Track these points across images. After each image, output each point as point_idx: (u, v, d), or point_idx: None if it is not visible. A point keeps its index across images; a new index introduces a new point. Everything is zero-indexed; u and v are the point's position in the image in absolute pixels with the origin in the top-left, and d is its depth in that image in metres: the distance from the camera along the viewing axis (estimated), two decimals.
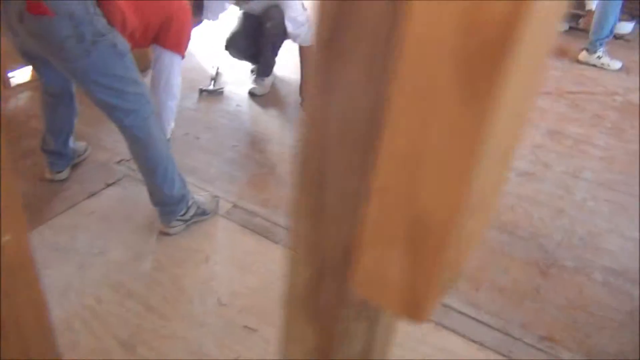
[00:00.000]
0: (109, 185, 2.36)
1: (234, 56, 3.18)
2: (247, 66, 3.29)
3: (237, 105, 3.08)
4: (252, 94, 3.15)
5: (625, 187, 2.62)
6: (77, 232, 2.11)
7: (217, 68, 3.37)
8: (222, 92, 3.17)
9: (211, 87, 3.17)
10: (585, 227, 2.37)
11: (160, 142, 1.97)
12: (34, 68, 2.13)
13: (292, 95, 3.19)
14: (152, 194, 2.05)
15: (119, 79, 1.80)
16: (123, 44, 1.79)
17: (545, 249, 2.24)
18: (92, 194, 2.31)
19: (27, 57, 1.94)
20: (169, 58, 2.09)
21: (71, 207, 2.23)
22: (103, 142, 2.60)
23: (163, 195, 2.04)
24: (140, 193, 2.20)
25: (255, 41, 3.04)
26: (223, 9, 3.09)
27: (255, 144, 2.74)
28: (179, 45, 2.11)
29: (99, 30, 1.70)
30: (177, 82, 2.17)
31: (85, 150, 2.50)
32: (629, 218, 2.43)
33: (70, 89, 2.16)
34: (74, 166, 2.44)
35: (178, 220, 2.11)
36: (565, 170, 2.72)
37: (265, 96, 3.16)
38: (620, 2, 3.69)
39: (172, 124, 2.36)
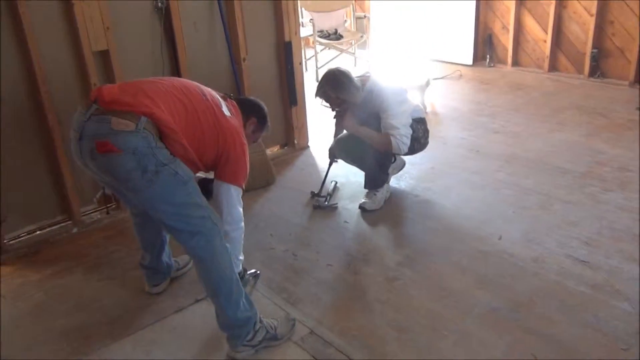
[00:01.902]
0: (197, 300, 2.39)
1: (339, 156, 3.21)
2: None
3: (345, 222, 2.99)
4: (362, 208, 3.05)
5: None
6: (154, 349, 2.14)
7: (335, 183, 3.37)
8: (335, 208, 3.13)
9: (326, 203, 3.15)
10: None
11: (225, 264, 1.98)
12: (116, 193, 2.31)
13: (407, 212, 3.02)
14: (217, 315, 2.03)
15: (181, 205, 1.89)
16: (185, 171, 1.89)
17: None
18: (180, 309, 2.36)
19: (106, 185, 2.12)
20: (226, 189, 2.10)
21: (157, 321, 2.29)
22: None
23: (227, 318, 2.00)
24: None
25: (362, 149, 3.01)
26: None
27: (353, 264, 2.60)
28: (235, 178, 2.11)
29: (161, 161, 1.82)
30: (238, 213, 2.15)
31: (187, 264, 2.61)
32: None
33: None
34: (174, 279, 2.55)
35: (245, 345, 2.03)
36: None
37: (376, 212, 3.03)
38: None
39: (242, 257, 2.29)
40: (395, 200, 3.16)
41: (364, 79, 2.90)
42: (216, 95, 2.17)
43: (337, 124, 3.19)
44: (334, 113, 3.10)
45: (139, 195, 1.88)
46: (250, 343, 2.04)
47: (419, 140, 3.02)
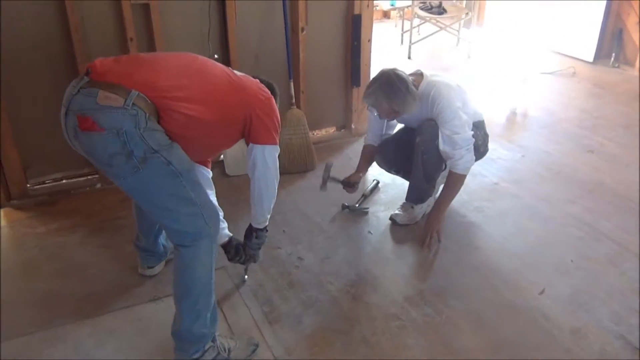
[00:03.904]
0: None
1: (379, 165, 2.78)
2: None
3: (369, 232, 2.63)
4: (393, 221, 2.66)
5: None
6: (109, 340, 1.98)
7: (377, 183, 2.99)
8: (366, 213, 2.77)
9: (356, 205, 2.79)
10: None
11: (203, 270, 1.79)
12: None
13: (443, 235, 2.57)
14: (174, 319, 1.81)
15: (169, 198, 1.70)
16: (180, 161, 1.68)
17: None
18: (156, 299, 2.18)
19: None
20: (260, 152, 1.91)
21: (127, 307, 2.13)
22: None
23: (181, 326, 1.78)
24: None
25: (408, 157, 2.59)
26: (390, 126, 2.76)
27: (356, 287, 2.25)
28: (267, 136, 1.91)
29: (151, 147, 1.61)
30: (273, 173, 1.96)
31: None
32: None
33: None
34: (169, 261, 2.36)
35: None
36: None
37: (408, 228, 2.64)
38: None
39: (267, 215, 2.09)
40: None
41: (417, 79, 2.44)
42: None
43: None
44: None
45: (121, 182, 1.69)
46: None
47: (477, 149, 2.53)
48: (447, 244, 2.51)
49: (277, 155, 1.97)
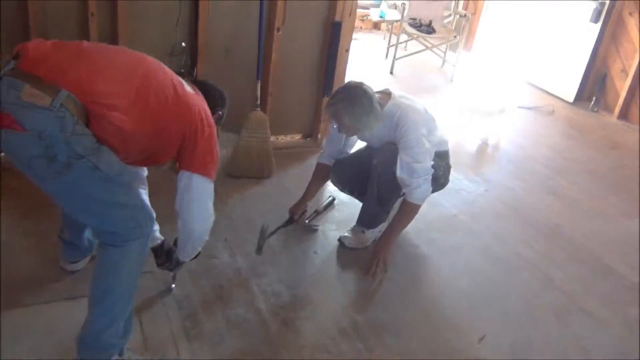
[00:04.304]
0: None
1: (334, 182, 2.66)
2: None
3: (315, 252, 2.50)
4: (341, 243, 2.55)
5: None
6: (15, 338, 1.81)
7: (332, 200, 2.87)
8: (315, 230, 2.65)
9: (306, 221, 2.67)
10: None
11: (128, 274, 1.65)
12: None
13: (392, 264, 2.45)
14: (84, 323, 1.65)
15: (97, 203, 1.58)
16: (110, 165, 1.55)
17: None
18: (74, 298, 2.01)
19: None
20: (193, 181, 1.73)
21: (38, 305, 1.97)
22: None
23: (90, 330, 1.63)
24: None
25: (364, 178, 2.47)
26: (348, 145, 2.64)
27: (288, 310, 2.12)
28: (204, 166, 1.75)
29: (77, 152, 1.47)
30: (206, 209, 1.80)
31: None
32: None
33: None
34: (94, 258, 2.21)
35: None
36: None
37: (357, 252, 2.52)
38: None
39: (199, 249, 1.99)
40: None
41: (384, 97, 2.33)
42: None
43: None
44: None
45: (41, 184, 1.55)
46: None
47: (437, 180, 2.44)
48: (394, 275, 2.39)
49: (210, 195, 1.80)
